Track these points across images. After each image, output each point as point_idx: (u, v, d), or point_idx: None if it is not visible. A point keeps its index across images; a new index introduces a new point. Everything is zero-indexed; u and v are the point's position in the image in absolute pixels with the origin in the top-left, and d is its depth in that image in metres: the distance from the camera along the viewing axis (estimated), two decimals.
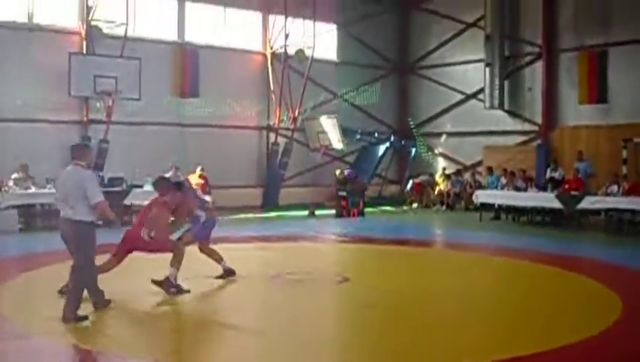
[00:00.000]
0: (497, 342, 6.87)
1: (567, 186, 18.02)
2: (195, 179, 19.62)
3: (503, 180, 20.14)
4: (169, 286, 8.76)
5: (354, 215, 20.54)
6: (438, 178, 24.59)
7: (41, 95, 19.11)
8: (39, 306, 8.07)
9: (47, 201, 17.05)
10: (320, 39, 24.19)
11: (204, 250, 10.08)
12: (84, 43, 20.19)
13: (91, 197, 7.49)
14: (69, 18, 20.39)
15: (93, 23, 19.84)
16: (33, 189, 16.85)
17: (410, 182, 25.25)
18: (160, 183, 9.65)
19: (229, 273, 9.99)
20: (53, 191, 16.52)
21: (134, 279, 9.10)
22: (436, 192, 24.10)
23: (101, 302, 7.82)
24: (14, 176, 16.92)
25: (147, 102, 20.33)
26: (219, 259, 10.03)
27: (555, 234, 16.55)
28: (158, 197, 9.48)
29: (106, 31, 20.02)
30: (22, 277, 10.16)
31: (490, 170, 22.27)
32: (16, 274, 10.29)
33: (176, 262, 8.91)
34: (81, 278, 7.52)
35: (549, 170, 20.05)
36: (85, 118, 20.49)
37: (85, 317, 7.34)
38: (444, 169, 25.45)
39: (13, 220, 16.01)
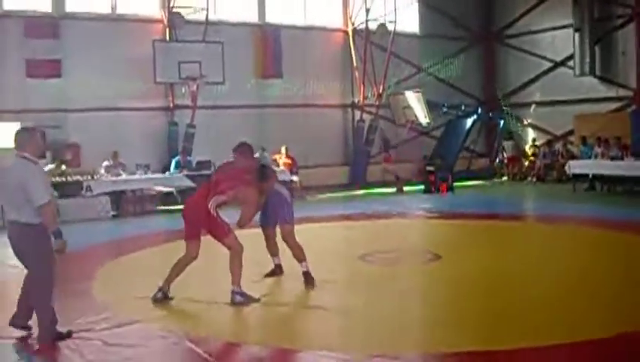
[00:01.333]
0: (598, 319, 6.56)
1: None
2: (282, 159, 19.78)
3: (597, 149, 19.43)
4: (235, 296, 7.40)
5: (443, 190, 20.20)
6: (527, 149, 23.98)
7: (128, 84, 19.44)
8: (133, 289, 8.10)
9: (138, 187, 17.46)
10: (401, 13, 23.76)
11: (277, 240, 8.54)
12: (167, 30, 20.41)
13: (34, 198, 6.02)
14: (150, 6, 20.65)
15: (174, 9, 20.02)
16: (124, 176, 17.20)
17: (500, 155, 24.73)
18: (243, 148, 8.12)
19: (278, 270, 8.70)
20: (144, 177, 17.15)
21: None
22: (526, 164, 23.53)
23: (47, 332, 6.26)
24: (105, 163, 17.30)
25: (231, 86, 20.45)
26: (276, 252, 8.66)
27: None
28: (237, 169, 7.89)
29: (187, 17, 20.17)
30: (116, 262, 10.31)
31: (583, 139, 21.48)
32: (111, 259, 10.45)
33: (237, 265, 7.48)
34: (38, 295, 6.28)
35: None
36: (171, 104, 20.76)
37: None
38: (533, 140, 24.81)
39: (106, 207, 16.36)
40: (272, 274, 8.63)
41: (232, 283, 7.38)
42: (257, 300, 7.42)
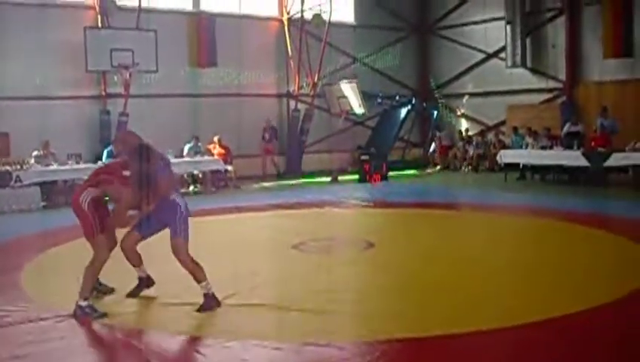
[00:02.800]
0: (527, 305, 6.71)
1: (593, 143, 17.74)
2: (216, 149, 19.68)
3: (528, 139, 19.87)
4: (80, 312, 6.57)
5: (377, 180, 20.36)
6: (459, 139, 24.41)
7: (59, 72, 19.11)
8: (64, 282, 7.95)
9: (69, 177, 17.13)
10: (337, 2, 23.80)
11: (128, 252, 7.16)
12: (99, 17, 20.03)
13: None
14: None
15: None
16: (55, 166, 16.87)
17: (433, 144, 25.04)
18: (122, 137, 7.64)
19: (147, 282, 7.36)
20: (75, 167, 16.84)
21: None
22: (458, 154, 23.89)
23: None
24: (35, 153, 16.93)
25: (165, 74, 20.19)
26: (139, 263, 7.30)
27: (582, 192, 16.31)
28: (117, 161, 7.30)
29: (119, 3, 19.87)
30: (47, 254, 10.11)
31: (515, 129, 21.91)
32: (41, 251, 10.24)
33: (90, 273, 6.75)
34: None
35: (567, 125, 19.82)
36: (104, 93, 20.41)
37: None
38: (466, 130, 25.22)
39: (36, 197, 16.02)
40: (137, 289, 7.32)
41: (79, 295, 6.62)
42: (103, 315, 6.55)
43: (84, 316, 6.51)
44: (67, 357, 5.70)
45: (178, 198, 6.88)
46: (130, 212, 6.93)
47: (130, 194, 6.67)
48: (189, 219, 6.88)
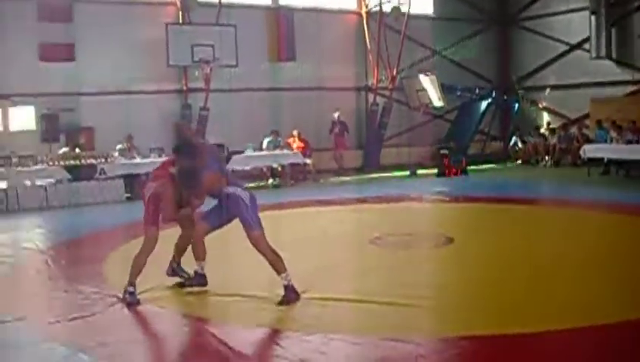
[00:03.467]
0: (610, 304, 6.52)
1: None
2: (295, 143, 19.80)
3: (612, 133, 19.27)
4: (128, 297, 6.90)
5: (456, 173, 20.14)
6: (542, 132, 23.88)
7: (141, 67, 19.47)
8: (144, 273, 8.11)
9: (151, 170, 17.45)
10: None
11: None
12: (180, 13, 20.37)
13: None
14: None
15: None
16: (138, 159, 17.25)
17: (514, 138, 24.60)
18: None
19: (201, 280, 7.25)
20: (158, 160, 17.14)
21: None
22: (539, 148, 23.40)
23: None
24: (119, 146, 17.35)
25: (244, 69, 20.36)
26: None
27: None
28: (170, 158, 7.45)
29: None
30: (130, 244, 10.32)
31: (599, 123, 21.28)
32: (124, 241, 10.46)
33: (137, 263, 7.02)
34: None
35: None
36: (185, 87, 20.77)
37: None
38: (548, 123, 24.67)
39: (120, 189, 16.42)
40: (189, 282, 7.33)
41: (128, 281, 6.92)
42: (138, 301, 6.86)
43: (130, 301, 6.80)
44: (148, 346, 5.82)
45: (239, 191, 6.83)
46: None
47: (172, 191, 6.86)
48: (259, 209, 6.94)
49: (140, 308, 6.77)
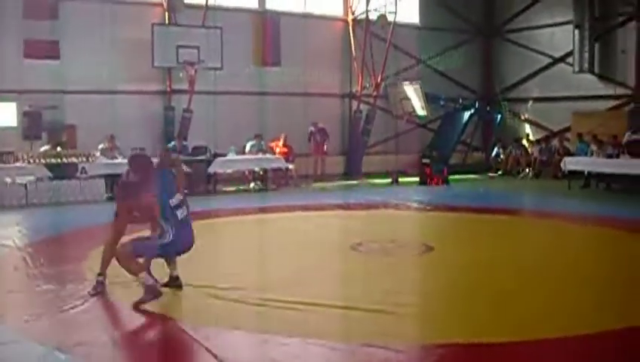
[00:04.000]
0: (585, 315, 6.57)
1: None
2: (279, 148, 19.81)
3: (593, 147, 19.42)
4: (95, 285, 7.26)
5: (438, 183, 20.21)
6: (525, 143, 24.05)
7: (126, 67, 19.39)
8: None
9: None
10: (402, 3, 23.72)
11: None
12: (166, 14, 20.35)
13: None
14: None
15: None
16: (120, 159, 17.15)
17: (496, 149, 24.75)
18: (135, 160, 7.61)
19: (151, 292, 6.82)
20: None
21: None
22: (520, 160, 23.55)
23: None
24: (101, 146, 17.27)
25: (229, 72, 20.36)
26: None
27: None
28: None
29: (186, 1, 20.11)
30: None
31: (580, 136, 21.46)
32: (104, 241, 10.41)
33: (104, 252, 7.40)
34: None
35: (628, 133, 19.34)
36: (169, 88, 20.72)
37: None
38: (527, 135, 24.87)
39: (101, 189, 16.34)
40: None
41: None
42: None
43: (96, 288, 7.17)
44: (125, 345, 5.80)
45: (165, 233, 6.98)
46: None
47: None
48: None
49: (117, 305, 6.75)
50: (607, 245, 10.73)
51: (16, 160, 15.85)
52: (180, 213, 7.01)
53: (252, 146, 19.25)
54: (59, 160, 16.16)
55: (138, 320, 6.51)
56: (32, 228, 12.32)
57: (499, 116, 25.65)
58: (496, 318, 6.52)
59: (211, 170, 18.01)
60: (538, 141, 23.81)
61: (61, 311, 6.62)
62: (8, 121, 18.49)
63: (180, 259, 7.33)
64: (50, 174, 15.91)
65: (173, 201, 6.97)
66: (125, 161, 16.52)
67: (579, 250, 10.32)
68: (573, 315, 6.56)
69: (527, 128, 25.87)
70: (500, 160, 24.38)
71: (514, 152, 23.79)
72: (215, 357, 5.41)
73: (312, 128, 21.92)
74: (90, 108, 18.96)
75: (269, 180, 19.22)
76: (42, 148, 16.91)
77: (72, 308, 6.72)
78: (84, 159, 16.38)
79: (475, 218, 13.79)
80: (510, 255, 9.68)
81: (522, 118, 26.18)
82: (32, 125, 18.08)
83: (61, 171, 15.99)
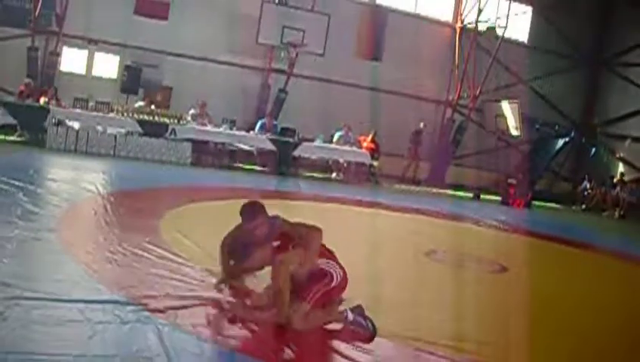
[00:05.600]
0: None
1: None
2: (366, 143, 19.72)
3: None
4: None
5: (519, 205, 19.80)
6: (616, 182, 23.38)
7: (230, 38, 19.63)
8: (195, 235, 8.10)
9: (221, 140, 17.61)
10: (513, 19, 23.30)
11: None
12: None
13: None
14: None
15: None
16: (209, 127, 17.38)
17: (584, 183, 24.11)
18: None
19: None
20: (228, 132, 17.30)
21: None
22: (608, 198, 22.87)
23: None
24: (192, 111, 17.51)
25: (330, 59, 20.36)
26: None
27: None
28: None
29: None
30: (187, 208, 10.40)
31: None
32: (182, 204, 10.53)
33: None
34: None
35: None
36: (268, 66, 20.82)
37: None
38: (622, 174, 24.10)
39: (187, 153, 16.57)
40: None
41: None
42: None
43: None
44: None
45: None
46: None
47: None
48: None
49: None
50: None
51: (111, 110, 16.20)
52: None
53: (340, 137, 19.21)
54: (151, 117, 16.46)
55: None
56: (116, 178, 12.56)
57: (593, 149, 24.96)
58: (546, 350, 6.28)
59: (296, 153, 18.05)
60: (624, 182, 23.09)
61: (132, 263, 6.66)
62: (109, 73, 18.94)
63: None
64: (140, 130, 16.22)
65: None
66: (215, 130, 16.88)
67: None
68: None
69: (621, 167, 25.08)
70: (586, 194, 23.72)
71: (603, 189, 23.11)
72: None
73: (421, 126, 21.81)
74: (189, 73, 19.26)
75: (351, 173, 19.15)
76: (137, 104, 17.26)
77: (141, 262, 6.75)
78: (176, 121, 16.63)
79: (553, 247, 13.43)
80: (581, 291, 9.34)
81: (617, 155, 25.40)
82: (131, 80, 18.46)
83: (152, 129, 16.29)
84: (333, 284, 5.47)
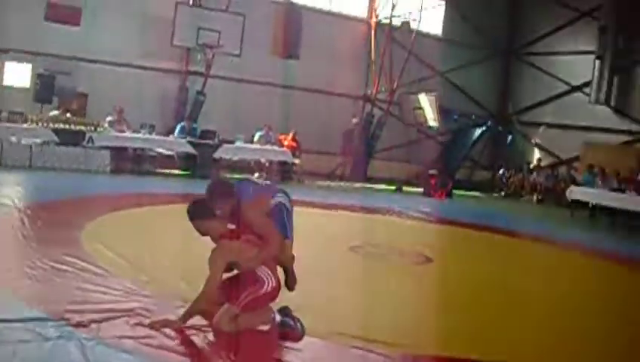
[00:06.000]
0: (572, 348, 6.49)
1: None
2: (287, 141, 19.76)
3: (599, 181, 19.36)
4: None
5: (441, 196, 20.14)
6: (532, 167, 24.03)
7: (145, 42, 19.36)
8: (118, 245, 7.99)
9: (140, 146, 17.39)
10: (427, 13, 23.69)
11: None
12: None
13: None
14: None
15: None
16: (127, 133, 17.13)
17: (502, 170, 24.70)
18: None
19: None
20: (147, 137, 17.09)
21: None
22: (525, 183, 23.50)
23: None
24: (109, 118, 17.21)
25: (246, 59, 20.27)
26: None
27: None
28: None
29: None
30: (108, 216, 10.23)
31: (590, 167, 21.33)
32: (103, 213, 10.36)
33: None
34: None
35: None
36: (185, 69, 20.64)
37: None
38: (538, 160, 24.75)
39: (105, 160, 16.29)
40: None
41: None
42: None
43: None
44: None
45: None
46: None
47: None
48: None
49: None
50: (601, 278, 10.65)
51: (25, 121, 15.79)
52: None
53: (260, 137, 19.21)
54: (67, 126, 16.10)
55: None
56: (33, 190, 12.27)
57: (510, 137, 25.59)
58: (480, 335, 6.43)
59: (217, 155, 17.96)
60: (541, 167, 23.77)
61: (53, 277, 6.52)
62: (22, 82, 18.46)
63: None
64: (56, 139, 15.86)
65: None
66: (133, 135, 16.64)
67: (572, 279, 10.22)
68: (553, 346, 6.45)
69: (537, 153, 25.77)
70: (505, 181, 24.31)
71: (520, 175, 23.72)
72: None
73: (354, 121, 21.95)
74: (104, 79, 18.91)
75: (273, 172, 19.16)
76: (52, 113, 16.85)
77: (65, 275, 6.62)
78: (93, 128, 16.32)
79: (476, 235, 13.73)
80: (505, 275, 9.60)
81: (533, 141, 26.11)
82: (44, 88, 17.98)
83: (68, 137, 15.95)
84: (263, 291, 5.46)
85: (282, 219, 5.99)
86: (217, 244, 5.45)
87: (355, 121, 22.32)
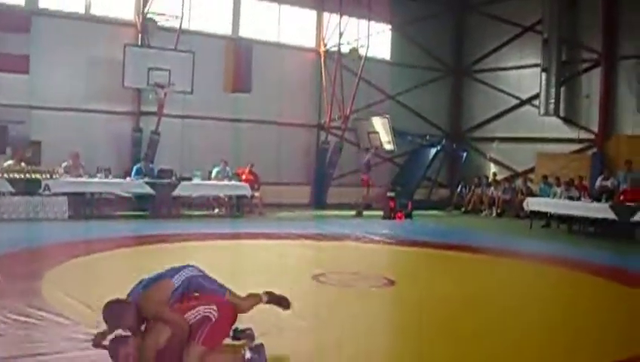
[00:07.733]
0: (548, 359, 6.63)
1: (622, 197, 17.55)
2: (244, 175, 19.81)
3: (557, 189, 19.69)
4: None
5: (401, 217, 20.31)
6: (489, 182, 24.33)
7: (96, 85, 19.43)
8: (81, 294, 7.98)
9: (97, 190, 17.32)
10: (374, 39, 24.04)
11: None
12: (139, 35, 20.32)
13: None
14: (125, 10, 20.61)
15: (148, 15, 19.96)
16: (84, 178, 17.05)
17: (460, 187, 24.99)
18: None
19: None
20: (104, 180, 17.03)
21: None
22: (484, 198, 23.78)
23: None
24: (64, 164, 17.12)
25: (199, 96, 20.36)
26: None
27: (607, 245, 16.09)
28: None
29: (160, 23, 20.12)
30: (68, 264, 10.18)
31: (545, 178, 21.74)
32: (63, 261, 10.30)
33: None
34: None
35: (599, 179, 19.63)
36: (137, 110, 20.64)
37: None
38: (494, 175, 25.09)
39: (63, 207, 16.18)
40: None
41: None
42: None
43: None
44: None
45: None
46: None
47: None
48: None
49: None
50: (560, 285, 10.87)
51: None
52: None
53: (218, 172, 19.25)
54: (22, 175, 15.99)
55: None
56: None
57: (464, 154, 25.94)
58: (447, 356, 6.54)
59: (176, 193, 17.94)
60: (497, 181, 24.11)
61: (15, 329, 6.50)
62: None
63: None
64: (12, 189, 15.72)
65: None
66: (90, 180, 16.56)
67: (535, 289, 10.42)
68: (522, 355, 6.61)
69: (492, 167, 26.15)
70: (463, 197, 24.60)
71: (478, 190, 24.02)
72: None
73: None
74: (57, 125, 18.85)
75: (233, 207, 19.19)
76: (6, 163, 16.71)
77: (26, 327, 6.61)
78: (48, 176, 16.22)
79: (437, 254, 13.88)
80: (468, 292, 9.72)
81: (488, 157, 26.49)
82: None
83: (24, 187, 15.83)
84: (214, 321, 5.46)
85: (203, 284, 5.86)
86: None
87: (367, 157, 22.81)
